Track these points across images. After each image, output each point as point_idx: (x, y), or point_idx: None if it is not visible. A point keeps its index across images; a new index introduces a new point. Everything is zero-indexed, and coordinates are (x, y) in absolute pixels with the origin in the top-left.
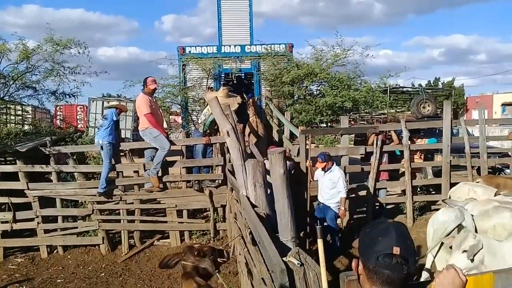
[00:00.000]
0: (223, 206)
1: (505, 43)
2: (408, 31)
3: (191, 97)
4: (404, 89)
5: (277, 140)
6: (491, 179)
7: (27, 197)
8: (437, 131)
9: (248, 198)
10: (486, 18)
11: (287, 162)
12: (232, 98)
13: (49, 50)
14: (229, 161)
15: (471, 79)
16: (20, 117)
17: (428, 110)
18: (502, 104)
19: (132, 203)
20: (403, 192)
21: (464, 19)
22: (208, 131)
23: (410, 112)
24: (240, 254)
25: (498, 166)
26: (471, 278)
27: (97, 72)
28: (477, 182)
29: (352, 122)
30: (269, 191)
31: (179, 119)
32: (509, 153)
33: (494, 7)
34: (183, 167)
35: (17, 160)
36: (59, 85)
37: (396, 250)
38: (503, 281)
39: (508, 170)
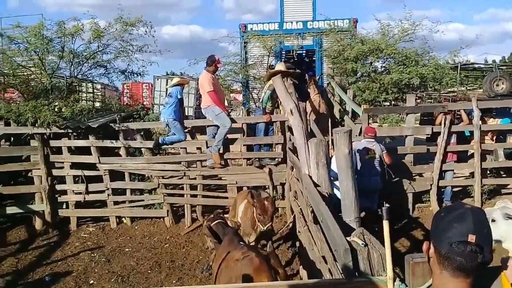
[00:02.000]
0: (282, 184)
1: None
2: (481, 2)
3: (252, 74)
4: (476, 65)
5: (338, 118)
6: None
7: (98, 170)
8: (511, 111)
9: (311, 177)
10: None
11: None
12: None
13: (118, 29)
14: (290, 140)
15: None
16: (92, 95)
17: (502, 88)
18: None
19: (195, 178)
20: (471, 174)
21: None
22: (269, 109)
23: (482, 90)
24: (299, 232)
25: None
26: None
27: (161, 51)
28: None
29: (419, 101)
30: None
31: (239, 97)
32: None
33: None
34: (243, 145)
35: (89, 135)
36: (128, 64)
37: (472, 238)
38: None
39: None
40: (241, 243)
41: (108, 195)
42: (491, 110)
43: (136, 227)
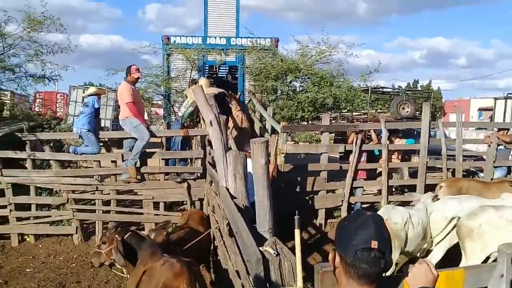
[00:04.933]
0: (201, 200)
1: (484, 48)
2: (392, 32)
3: (174, 88)
4: (385, 89)
5: (259, 135)
6: (455, 182)
7: (0, 183)
8: (415, 132)
9: (228, 190)
10: (469, 21)
11: None
12: (214, 88)
13: (25, 27)
14: (209, 154)
15: (448, 82)
16: None
17: (407, 111)
18: (479, 109)
19: (109, 193)
20: (379, 191)
21: (448, 22)
22: (187, 124)
23: (390, 112)
24: (217, 247)
25: (473, 169)
26: (443, 273)
27: (73, 49)
28: (441, 187)
29: (333, 121)
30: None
31: (160, 111)
32: (484, 157)
33: (477, 10)
34: (162, 159)
35: None
36: (42, 69)
37: (374, 244)
38: (474, 277)
39: (482, 174)
40: (165, 255)
41: (11, 210)
42: (397, 131)
43: (40, 246)
